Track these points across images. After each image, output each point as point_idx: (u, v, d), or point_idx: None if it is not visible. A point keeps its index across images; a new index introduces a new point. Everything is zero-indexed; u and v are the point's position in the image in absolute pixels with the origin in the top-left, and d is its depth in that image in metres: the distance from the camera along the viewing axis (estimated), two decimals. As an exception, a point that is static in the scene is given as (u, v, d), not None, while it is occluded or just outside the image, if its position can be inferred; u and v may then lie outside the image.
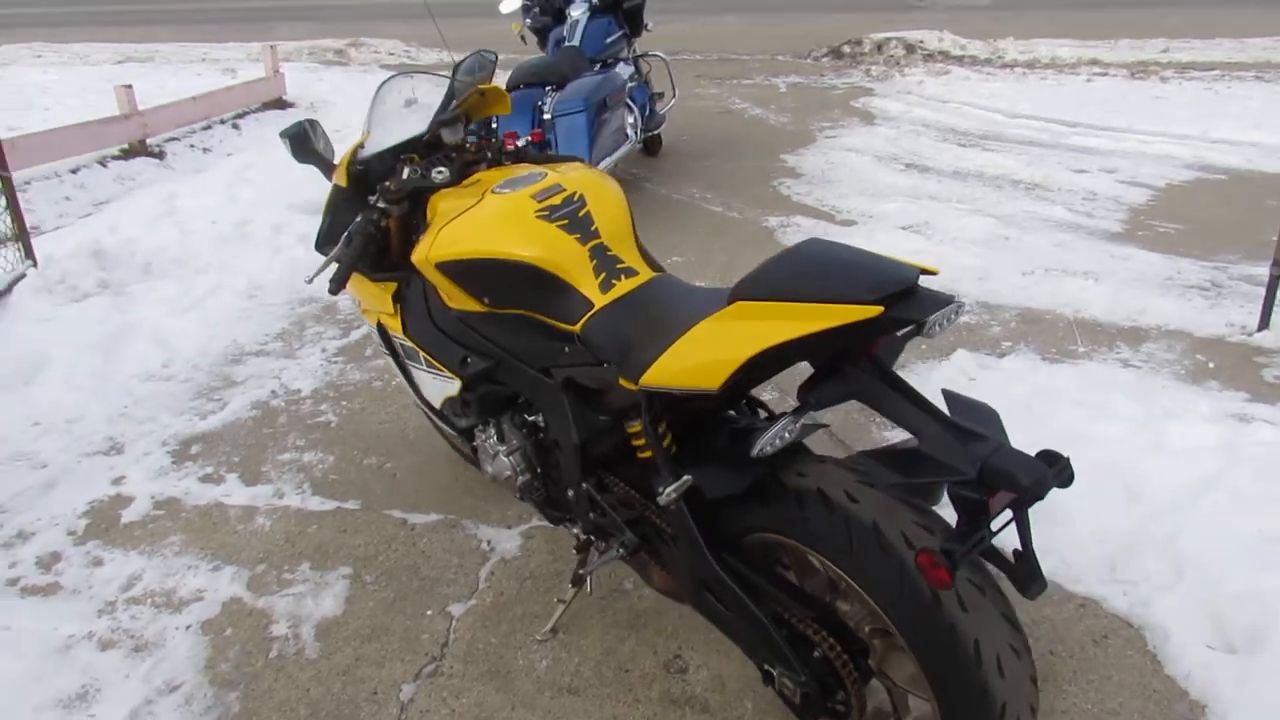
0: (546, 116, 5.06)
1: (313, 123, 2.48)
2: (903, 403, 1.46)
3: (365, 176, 2.37)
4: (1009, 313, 4.14)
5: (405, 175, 2.28)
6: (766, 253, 1.61)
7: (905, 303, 1.40)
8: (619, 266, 1.96)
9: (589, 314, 1.89)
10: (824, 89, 9.78)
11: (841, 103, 8.96)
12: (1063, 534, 2.53)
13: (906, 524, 1.52)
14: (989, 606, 1.51)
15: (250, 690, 2.23)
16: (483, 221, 2.01)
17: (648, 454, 1.85)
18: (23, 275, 4.88)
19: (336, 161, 2.50)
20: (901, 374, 1.54)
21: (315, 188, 6.40)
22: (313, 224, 5.33)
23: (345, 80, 10.88)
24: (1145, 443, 2.91)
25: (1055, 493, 1.37)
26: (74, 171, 7.17)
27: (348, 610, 2.48)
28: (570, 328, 1.91)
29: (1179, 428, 2.97)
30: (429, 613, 2.45)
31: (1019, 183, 6.21)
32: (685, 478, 1.69)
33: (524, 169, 2.24)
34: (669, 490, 1.69)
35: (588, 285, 1.92)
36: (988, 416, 1.45)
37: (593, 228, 1.98)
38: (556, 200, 2.01)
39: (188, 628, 2.45)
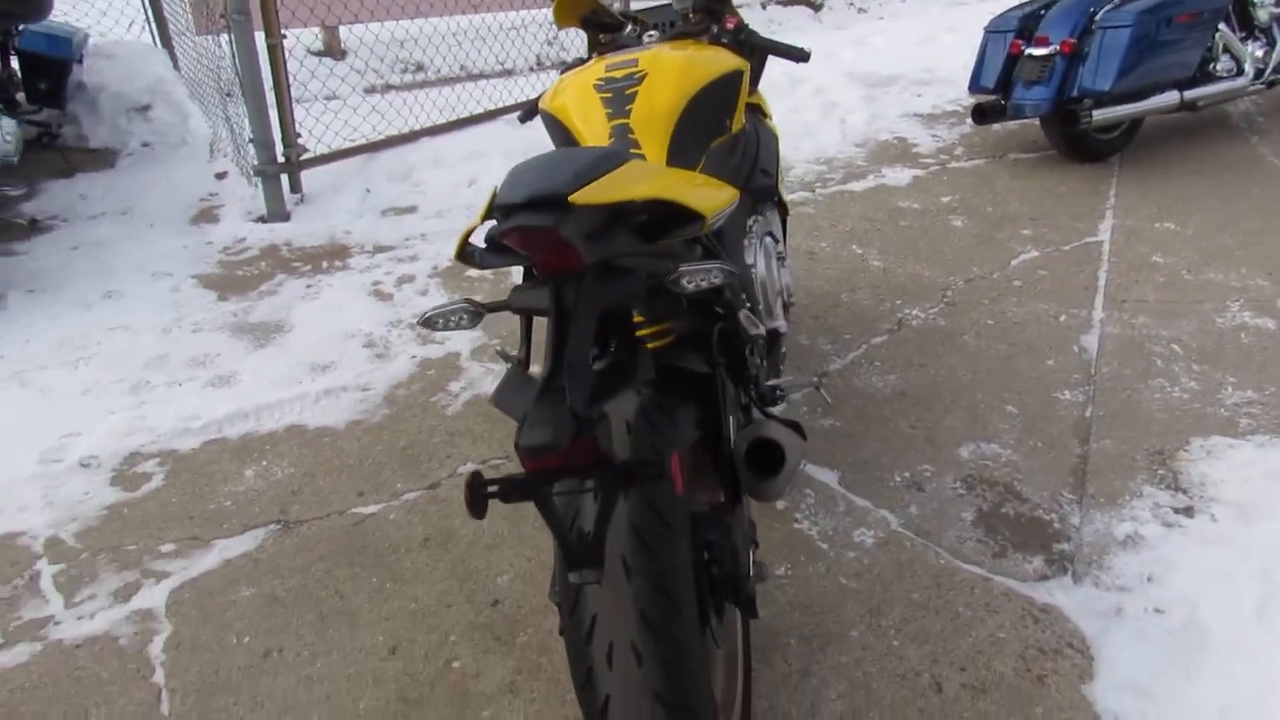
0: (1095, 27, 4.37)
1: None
2: (554, 337, 1.33)
3: (597, 24, 2.53)
4: None
5: (626, 32, 2.43)
6: None
7: (522, 215, 1.24)
8: (632, 151, 1.91)
9: None
10: None
11: None
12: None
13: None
14: (625, 598, 1.37)
15: (395, 415, 2.83)
16: (566, 80, 2.10)
17: None
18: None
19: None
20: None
21: (901, 63, 6.44)
22: (871, 96, 5.48)
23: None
24: None
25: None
26: (738, 7, 8.06)
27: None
28: None
29: None
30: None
31: None
32: None
33: (653, 45, 2.22)
34: None
35: (592, 157, 1.93)
36: (612, 382, 1.28)
37: (627, 107, 1.94)
38: (619, 74, 2.00)
39: (413, 358, 3.12)
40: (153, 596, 2.16)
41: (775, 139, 2.51)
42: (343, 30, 6.51)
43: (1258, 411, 2.75)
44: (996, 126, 5.26)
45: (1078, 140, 4.63)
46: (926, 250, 3.87)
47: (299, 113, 4.51)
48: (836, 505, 2.41)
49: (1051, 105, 4.43)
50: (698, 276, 1.38)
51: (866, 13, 8.40)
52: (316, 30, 6.35)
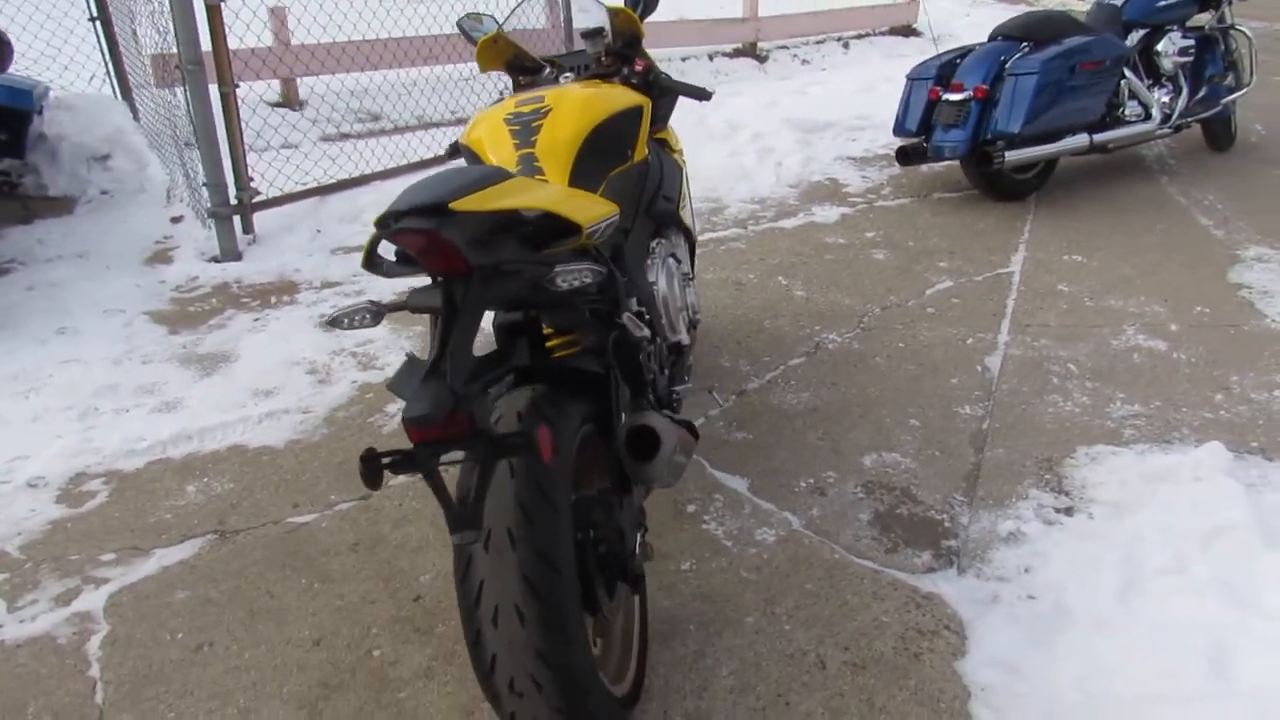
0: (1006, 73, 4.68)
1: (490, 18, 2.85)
2: (442, 328, 1.50)
3: (519, 68, 2.73)
4: None
5: (545, 74, 2.65)
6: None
7: (407, 220, 1.41)
8: (538, 178, 2.09)
9: None
10: None
11: None
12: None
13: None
14: (510, 561, 1.53)
15: (333, 434, 2.98)
16: (481, 115, 2.30)
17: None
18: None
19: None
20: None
21: (838, 110, 6.75)
22: (807, 141, 5.71)
23: (992, 18, 10.56)
24: None
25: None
26: (683, 59, 8.39)
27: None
28: None
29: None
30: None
31: None
32: None
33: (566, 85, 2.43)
34: None
35: (502, 185, 2.11)
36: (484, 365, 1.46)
37: (533, 138, 2.12)
38: (526, 109, 2.19)
39: (354, 383, 3.27)
40: (92, 600, 2.28)
41: (679, 169, 2.72)
42: (301, 82, 6.73)
43: (1141, 423, 2.96)
44: (923, 168, 5.54)
45: (995, 180, 4.91)
46: (848, 281, 4.09)
47: (257, 160, 4.71)
48: (743, 508, 2.58)
49: (967, 147, 4.71)
50: (570, 276, 1.56)
51: (809, 64, 8.75)
52: (275, 82, 6.57)
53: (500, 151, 2.14)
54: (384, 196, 4.94)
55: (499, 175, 1.58)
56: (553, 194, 1.65)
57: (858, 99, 7.01)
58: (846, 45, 9.12)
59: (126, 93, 5.93)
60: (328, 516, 2.57)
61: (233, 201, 4.31)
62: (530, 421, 1.56)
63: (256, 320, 3.77)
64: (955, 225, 4.76)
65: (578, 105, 2.18)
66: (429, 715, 1.93)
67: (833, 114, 6.61)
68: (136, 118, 5.86)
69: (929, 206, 5.10)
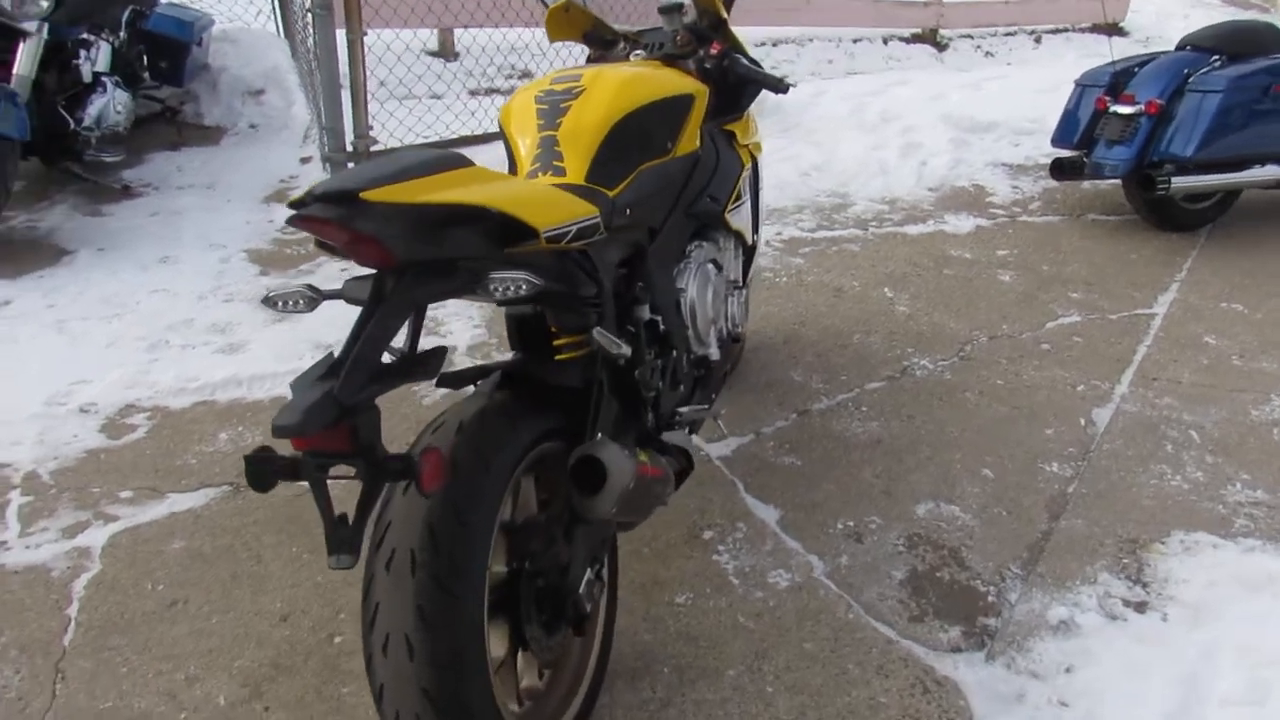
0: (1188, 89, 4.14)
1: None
2: (356, 325, 1.37)
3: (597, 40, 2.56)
4: None
5: (617, 50, 2.48)
6: None
7: (313, 206, 1.28)
8: (555, 163, 1.92)
9: None
10: None
11: None
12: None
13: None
14: (406, 591, 1.41)
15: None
16: (519, 92, 2.14)
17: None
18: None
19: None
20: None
21: (1008, 110, 6.20)
22: (962, 141, 5.31)
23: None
24: None
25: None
26: (855, 41, 7.96)
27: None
28: None
29: None
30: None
31: None
32: None
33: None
34: None
35: (520, 169, 1.96)
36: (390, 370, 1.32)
37: (558, 120, 1.95)
38: (559, 88, 2.01)
39: (412, 349, 3.22)
40: (95, 537, 2.32)
41: (741, 167, 2.48)
42: (459, 33, 6.77)
43: (1261, 514, 2.55)
44: (1086, 185, 5.03)
45: (1161, 207, 4.38)
46: (960, 302, 3.74)
47: (393, 108, 4.76)
48: (764, 543, 2.37)
49: (1130, 167, 4.21)
50: (503, 285, 1.40)
51: (993, 57, 8.13)
52: (433, 31, 6.63)
53: (525, 133, 1.99)
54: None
55: (442, 163, 1.44)
56: (506, 190, 1.49)
57: (1035, 100, 6.43)
58: (1039, 39, 8.41)
59: (290, 32, 6.12)
60: (338, 485, 2.51)
61: (349, 148, 4.34)
62: (421, 443, 1.43)
63: (343, 270, 3.78)
64: (1102, 253, 4.28)
65: (612, 88, 1.99)
66: (364, 717, 1.84)
67: (1001, 113, 6.11)
68: (295, 56, 6.04)
69: (1078, 228, 4.61)
